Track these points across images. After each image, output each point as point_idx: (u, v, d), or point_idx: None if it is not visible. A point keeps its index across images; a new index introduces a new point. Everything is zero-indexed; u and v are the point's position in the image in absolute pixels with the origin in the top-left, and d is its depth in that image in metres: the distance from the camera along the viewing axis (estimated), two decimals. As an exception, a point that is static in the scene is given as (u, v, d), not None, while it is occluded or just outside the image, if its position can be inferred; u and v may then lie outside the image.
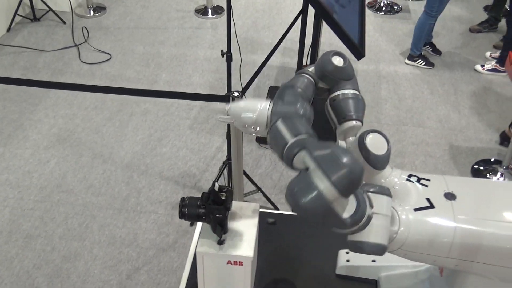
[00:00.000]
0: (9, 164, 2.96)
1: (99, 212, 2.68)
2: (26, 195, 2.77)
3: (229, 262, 1.18)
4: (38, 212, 2.67)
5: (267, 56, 2.55)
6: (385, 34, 4.37)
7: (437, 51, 4.12)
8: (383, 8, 4.74)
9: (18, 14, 4.24)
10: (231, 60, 2.39)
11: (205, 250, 1.18)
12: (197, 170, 2.96)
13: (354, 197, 1.00)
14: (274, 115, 1.10)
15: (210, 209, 1.17)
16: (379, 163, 1.14)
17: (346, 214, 0.97)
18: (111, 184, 2.85)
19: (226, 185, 2.80)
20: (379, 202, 1.03)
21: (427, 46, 4.12)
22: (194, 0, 4.76)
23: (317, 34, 2.85)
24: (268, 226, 1.56)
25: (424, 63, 3.94)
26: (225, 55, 2.33)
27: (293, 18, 2.97)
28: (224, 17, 4.55)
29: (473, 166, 3.07)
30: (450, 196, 1.09)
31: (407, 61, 3.98)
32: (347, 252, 1.45)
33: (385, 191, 1.04)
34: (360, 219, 0.98)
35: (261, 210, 1.63)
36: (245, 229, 1.23)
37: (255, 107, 1.15)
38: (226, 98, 2.21)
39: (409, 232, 1.05)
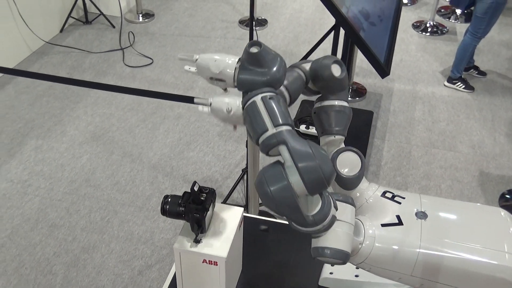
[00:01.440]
0: (45, 156, 3.13)
1: (121, 208, 2.79)
2: (56, 187, 2.92)
3: (204, 261, 1.23)
4: (65, 203, 2.81)
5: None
6: (427, 55, 4.32)
7: (482, 73, 4.04)
8: (429, 29, 4.67)
9: (72, 17, 4.48)
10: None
11: (181, 247, 1.23)
12: (220, 176, 3.02)
13: (320, 197, 1.02)
14: (252, 81, 1.06)
15: (189, 208, 1.22)
16: (347, 184, 1.15)
17: (309, 213, 1.00)
18: (136, 182, 2.96)
19: (245, 192, 2.86)
20: (343, 210, 1.05)
21: (472, 70, 4.04)
22: (240, 12, 4.87)
23: (347, 50, 2.87)
24: (260, 233, 1.59)
25: (463, 86, 3.86)
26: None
27: (331, 33, 2.99)
28: (267, 29, 4.63)
29: (503, 194, 2.98)
30: (421, 215, 1.10)
31: (446, 83, 3.91)
32: (332, 265, 1.47)
33: (349, 200, 1.06)
34: (323, 219, 1.00)
35: (255, 216, 1.67)
36: (224, 231, 1.27)
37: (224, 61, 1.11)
38: (244, 107, 2.26)
39: (373, 246, 1.06)
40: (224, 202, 2.79)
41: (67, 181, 2.96)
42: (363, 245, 1.07)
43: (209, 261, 1.22)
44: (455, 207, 1.15)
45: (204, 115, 3.51)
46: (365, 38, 2.48)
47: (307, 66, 1.26)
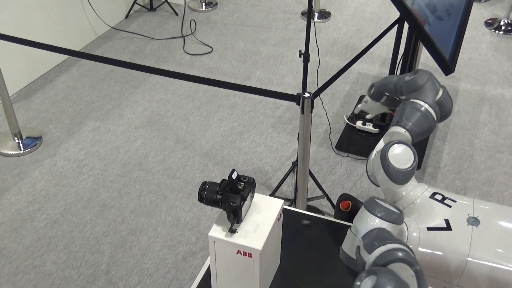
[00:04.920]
0: (101, 138, 3.20)
1: (171, 194, 2.81)
2: (110, 168, 2.97)
3: (238, 251, 1.19)
4: (117, 185, 2.86)
5: (349, 63, 2.50)
6: (498, 55, 4.07)
7: None
8: (503, 27, 4.40)
9: (137, 3, 4.56)
10: (308, 61, 2.38)
11: (216, 235, 1.19)
12: (270, 168, 2.98)
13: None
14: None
15: (226, 196, 1.18)
16: (399, 177, 1.08)
17: None
18: (186, 169, 2.97)
19: (295, 185, 2.80)
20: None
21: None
22: (303, 3, 4.79)
23: (410, 45, 2.74)
24: (302, 228, 1.54)
25: (537, 90, 3.61)
26: (302, 56, 2.33)
27: (394, 27, 2.87)
28: (330, 21, 4.53)
29: None
30: (473, 221, 1.01)
31: (517, 85, 3.68)
32: (374, 267, 1.39)
33: (392, 217, 0.97)
34: None
35: (298, 210, 1.61)
36: (261, 222, 1.22)
37: None
38: (296, 98, 2.21)
39: (415, 251, 0.98)
40: (272, 194, 2.75)
41: (121, 163, 3.01)
42: (406, 248, 0.99)
43: (243, 252, 1.19)
44: (512, 215, 1.05)
45: (260, 106, 3.48)
46: (430, 33, 2.35)
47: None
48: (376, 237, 0.95)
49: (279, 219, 1.28)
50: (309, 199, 2.69)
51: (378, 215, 0.98)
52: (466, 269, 0.96)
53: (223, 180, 1.21)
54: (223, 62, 3.95)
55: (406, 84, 1.29)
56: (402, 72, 2.98)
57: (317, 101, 3.50)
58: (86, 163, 3.01)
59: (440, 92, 1.24)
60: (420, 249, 0.98)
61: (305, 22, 4.51)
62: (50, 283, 2.35)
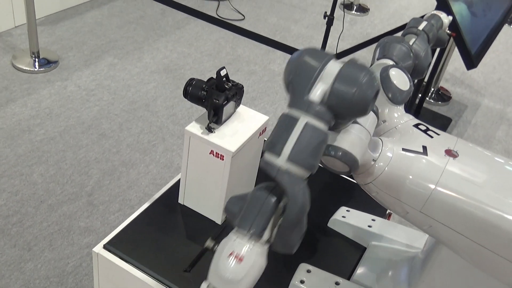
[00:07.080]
0: (116, 74, 3.21)
1: (170, 138, 2.79)
2: (117, 103, 2.97)
3: (211, 152, 1.16)
4: (120, 119, 2.86)
5: (364, 43, 2.46)
6: (529, 82, 3.98)
7: None
8: (539, 57, 4.31)
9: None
10: (331, 24, 2.34)
11: (193, 130, 1.17)
12: (274, 136, 2.95)
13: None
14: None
15: (210, 93, 1.16)
16: (401, 96, 1.06)
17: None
18: (191, 119, 2.95)
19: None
20: (365, 116, 0.94)
21: None
22: (344, -5, 4.75)
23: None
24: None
25: (560, 121, 3.52)
26: (327, 18, 2.30)
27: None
28: (367, 17, 4.48)
29: None
30: (451, 153, 0.96)
31: (541, 113, 3.59)
32: (347, 210, 1.35)
33: (373, 108, 0.96)
34: None
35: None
36: (241, 130, 1.20)
37: None
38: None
39: (385, 169, 0.94)
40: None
41: (129, 101, 3.01)
42: (376, 165, 0.96)
43: (216, 153, 1.16)
44: (496, 162, 1.00)
45: (277, 77, 3.46)
46: (460, 23, 2.30)
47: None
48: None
49: (260, 134, 1.25)
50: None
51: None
52: (432, 196, 0.92)
53: (211, 78, 1.19)
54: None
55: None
56: (431, 73, 2.94)
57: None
58: (95, 93, 3.02)
59: (413, 38, 1.23)
60: (390, 167, 0.95)
61: (342, 13, 4.48)
62: (33, 192, 2.35)
